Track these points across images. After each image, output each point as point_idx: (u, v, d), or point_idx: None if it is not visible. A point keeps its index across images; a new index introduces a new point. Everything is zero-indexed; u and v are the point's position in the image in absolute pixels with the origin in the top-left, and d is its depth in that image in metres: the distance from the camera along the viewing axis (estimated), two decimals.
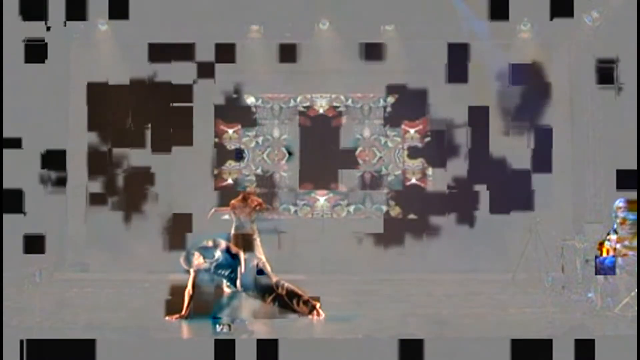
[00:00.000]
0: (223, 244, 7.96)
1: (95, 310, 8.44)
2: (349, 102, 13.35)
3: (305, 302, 7.87)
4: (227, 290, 8.27)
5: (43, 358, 5.81)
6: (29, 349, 5.75)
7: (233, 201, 10.15)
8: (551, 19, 11.43)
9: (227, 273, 7.84)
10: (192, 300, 7.80)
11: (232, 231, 9.87)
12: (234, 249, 8.03)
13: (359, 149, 13.27)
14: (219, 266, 7.82)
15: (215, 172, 13.19)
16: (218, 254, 7.81)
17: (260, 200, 10.27)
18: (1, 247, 7.94)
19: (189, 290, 7.81)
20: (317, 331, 7.50)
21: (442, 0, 11.89)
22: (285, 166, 13.26)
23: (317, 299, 8.00)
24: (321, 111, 13.36)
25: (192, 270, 7.81)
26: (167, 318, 7.77)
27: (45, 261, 10.89)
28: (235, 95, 13.17)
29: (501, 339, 5.94)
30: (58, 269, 11.88)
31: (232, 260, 7.86)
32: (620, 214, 8.37)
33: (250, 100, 13.33)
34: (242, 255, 8.05)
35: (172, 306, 7.95)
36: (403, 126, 13.30)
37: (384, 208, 13.21)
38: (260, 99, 13.35)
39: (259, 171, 13.29)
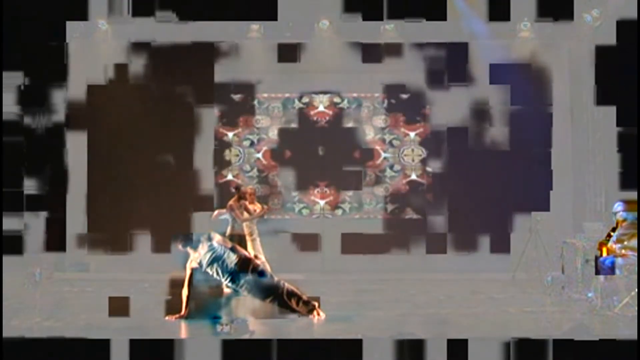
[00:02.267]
0: (217, 236, 7.98)
1: (95, 310, 8.44)
2: (348, 102, 13.33)
3: (305, 303, 7.87)
4: (226, 290, 8.28)
5: (43, 358, 5.81)
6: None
7: (230, 202, 10.13)
8: (551, 20, 11.50)
9: (221, 267, 7.81)
10: (190, 300, 7.81)
11: (228, 231, 9.86)
12: (228, 243, 8.05)
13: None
14: (213, 260, 7.81)
15: (215, 169, 13.18)
16: (214, 244, 7.84)
17: (253, 198, 10.24)
18: (1, 246, 7.94)
19: (185, 291, 7.83)
20: (317, 331, 7.49)
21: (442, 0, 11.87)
22: (278, 166, 13.24)
23: (317, 299, 8.00)
24: (321, 111, 13.35)
25: (187, 269, 7.84)
26: (167, 318, 7.78)
27: (45, 261, 10.89)
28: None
29: (501, 339, 5.94)
30: (58, 269, 11.87)
31: (230, 253, 7.87)
32: (619, 216, 8.40)
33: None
34: (242, 250, 8.09)
35: (172, 306, 7.96)
36: (403, 129, 13.29)
37: (384, 206, 13.20)
38: (260, 99, 13.36)
39: (254, 172, 13.28)
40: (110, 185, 12.70)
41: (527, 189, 12.50)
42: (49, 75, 11.29)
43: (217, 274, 7.84)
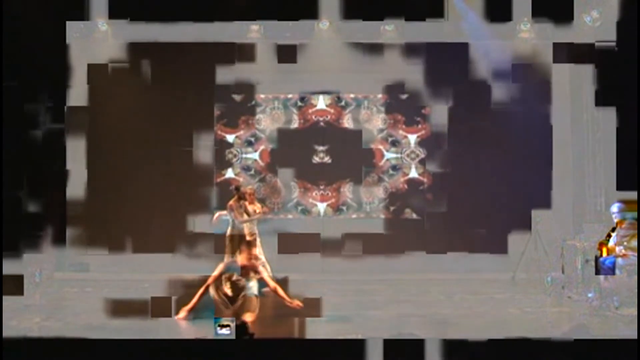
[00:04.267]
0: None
1: (95, 311, 8.43)
2: (347, 102, 13.33)
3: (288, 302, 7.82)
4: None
5: (43, 358, 5.81)
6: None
7: (230, 202, 10.13)
8: (551, 20, 11.50)
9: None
10: (201, 298, 7.75)
11: (229, 231, 9.85)
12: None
13: None
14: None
15: (215, 169, 13.18)
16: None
17: (252, 198, 10.23)
18: (1, 246, 7.94)
19: (208, 284, 7.75)
20: (317, 331, 7.49)
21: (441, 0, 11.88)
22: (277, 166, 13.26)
23: (317, 300, 7.95)
24: (320, 109, 13.34)
25: (221, 265, 7.81)
26: (178, 316, 7.72)
27: (45, 261, 10.89)
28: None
29: (501, 339, 5.94)
30: (58, 269, 11.87)
31: None
32: (618, 216, 8.40)
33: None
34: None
35: (181, 306, 7.92)
36: (402, 130, 13.29)
37: (384, 206, 13.18)
38: (259, 99, 13.35)
39: (253, 172, 13.27)
40: (110, 185, 12.69)
41: (527, 188, 12.49)
42: (49, 76, 11.30)
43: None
